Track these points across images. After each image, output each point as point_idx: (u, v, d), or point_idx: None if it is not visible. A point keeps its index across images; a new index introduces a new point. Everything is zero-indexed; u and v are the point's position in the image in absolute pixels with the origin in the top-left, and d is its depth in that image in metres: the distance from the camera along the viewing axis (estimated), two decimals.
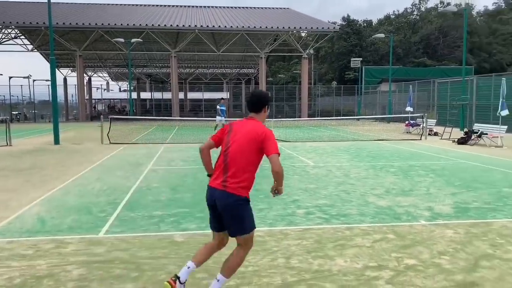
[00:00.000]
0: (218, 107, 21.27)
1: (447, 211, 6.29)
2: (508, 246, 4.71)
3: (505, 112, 16.32)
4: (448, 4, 67.27)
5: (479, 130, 16.30)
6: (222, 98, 22.26)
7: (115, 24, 33.70)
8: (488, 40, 63.37)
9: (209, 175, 3.62)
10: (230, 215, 3.34)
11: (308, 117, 37.05)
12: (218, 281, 3.40)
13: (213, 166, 3.66)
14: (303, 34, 48.52)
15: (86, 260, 4.38)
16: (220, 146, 3.65)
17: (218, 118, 21.10)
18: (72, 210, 6.41)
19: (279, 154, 3.36)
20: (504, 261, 4.29)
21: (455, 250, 4.61)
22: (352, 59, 49.04)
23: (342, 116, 40.39)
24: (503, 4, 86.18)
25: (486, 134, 15.93)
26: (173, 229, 5.44)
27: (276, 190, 3.52)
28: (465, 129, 18.99)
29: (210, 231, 5.26)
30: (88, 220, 5.89)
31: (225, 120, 20.83)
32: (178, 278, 3.39)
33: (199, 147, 3.85)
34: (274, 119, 24.04)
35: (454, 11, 30.09)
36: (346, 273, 4.01)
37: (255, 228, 3.50)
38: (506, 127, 16.21)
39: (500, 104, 16.42)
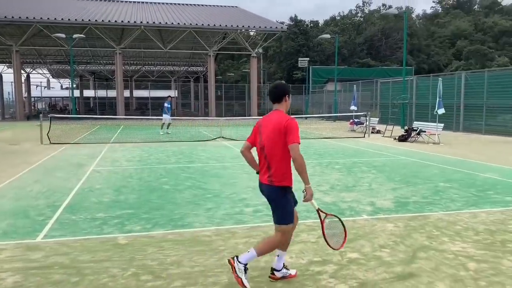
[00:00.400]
0: (165, 105, 20.98)
1: (388, 205, 6.55)
2: (443, 238, 4.98)
3: (441, 111, 17.24)
4: (390, 6, 70.04)
5: (418, 128, 17.12)
6: (169, 96, 22.01)
7: (55, 18, 32.14)
8: (426, 42, 66.78)
9: (257, 173, 3.88)
10: (274, 206, 3.74)
11: (257, 115, 37.27)
12: (248, 252, 3.70)
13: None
14: (251, 33, 48.76)
15: (22, 267, 4.15)
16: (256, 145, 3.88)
17: (164, 116, 20.79)
18: (7, 214, 6.04)
19: (299, 143, 3.57)
20: (440, 252, 4.52)
21: (395, 243, 4.81)
22: (299, 59, 49.92)
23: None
24: (440, 9, 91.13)
25: (425, 131, 16.77)
26: (116, 231, 5.28)
27: (304, 191, 3.70)
28: (406, 127, 19.90)
29: (155, 233, 5.22)
30: (25, 225, 5.58)
31: (170, 119, 20.92)
32: (237, 257, 3.64)
33: (240, 150, 4.06)
34: (223, 118, 23.99)
35: (395, 14, 31.40)
36: (292, 268, 4.06)
37: (291, 223, 3.78)
38: (442, 125, 17.15)
39: (437, 103, 17.32)
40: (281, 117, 3.69)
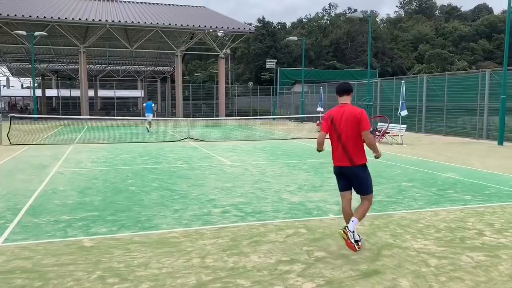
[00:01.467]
0: (145, 105, 23.17)
1: (354, 205, 6.68)
2: (406, 236, 5.15)
3: (404, 113, 17.78)
4: (355, 10, 71.66)
5: (382, 129, 17.57)
6: (149, 99, 23.83)
7: (15, 15, 31.04)
8: (390, 45, 68.59)
9: (319, 151, 4.96)
10: (360, 182, 4.67)
11: (225, 116, 37.24)
12: (353, 221, 4.53)
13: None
14: (219, 34, 48.69)
15: None
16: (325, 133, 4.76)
17: (148, 115, 22.41)
18: None
19: (370, 130, 4.59)
20: (403, 249, 4.67)
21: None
22: (267, 60, 50.20)
23: (259, 115, 41.20)
24: (403, 13, 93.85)
25: (388, 132, 17.23)
26: (81, 234, 5.16)
27: (376, 156, 4.77)
28: (370, 128, 20.34)
29: (122, 235, 5.14)
30: None
31: (152, 119, 22.81)
32: (347, 227, 4.49)
33: (317, 140, 4.88)
34: (191, 119, 23.82)
35: (360, 18, 32.08)
36: (260, 268, 4.10)
37: (373, 192, 4.78)
38: (405, 126, 17.67)
39: (400, 105, 17.84)
40: (354, 108, 4.65)
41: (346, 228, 4.47)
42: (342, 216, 6.00)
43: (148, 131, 21.96)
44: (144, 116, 23.08)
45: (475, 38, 71.10)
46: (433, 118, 22.28)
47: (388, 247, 4.74)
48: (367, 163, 4.70)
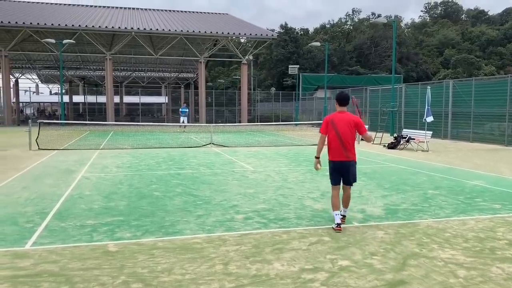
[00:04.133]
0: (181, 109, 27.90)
1: (378, 213, 6.59)
2: (433, 245, 5.02)
3: (430, 119, 17.43)
4: (379, 15, 70.98)
5: (407, 136, 17.28)
6: (185, 102, 27.28)
7: (45, 24, 31.98)
8: (415, 50, 67.63)
9: (316, 157, 5.97)
10: (351, 173, 5.75)
11: (248, 122, 37.33)
12: (345, 211, 5.96)
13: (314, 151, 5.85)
14: (242, 40, 48.95)
15: (10, 275, 4.09)
16: (327, 134, 5.80)
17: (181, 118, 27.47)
18: None
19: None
20: (429, 259, 4.56)
21: (386, 250, 4.84)
22: (290, 66, 50.21)
23: (281, 121, 41.15)
24: (428, 18, 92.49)
25: (414, 139, 16.92)
26: (106, 239, 5.23)
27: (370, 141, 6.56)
28: (395, 135, 20.06)
29: (146, 240, 5.18)
30: (13, 232, 5.51)
31: (183, 120, 27.43)
32: (338, 224, 5.59)
33: (319, 141, 5.92)
34: (213, 124, 23.97)
35: (384, 23, 31.76)
36: (283, 276, 4.06)
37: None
38: (431, 132, 17.33)
39: (425, 111, 17.51)
40: (351, 115, 5.77)
41: (344, 217, 5.89)
42: (366, 224, 5.95)
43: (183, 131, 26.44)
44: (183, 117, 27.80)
45: (503, 42, 69.42)
46: (459, 124, 21.78)
47: (414, 256, 4.64)
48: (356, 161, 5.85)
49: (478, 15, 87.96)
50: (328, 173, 5.95)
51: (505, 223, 5.98)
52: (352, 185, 5.85)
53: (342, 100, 5.82)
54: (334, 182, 5.79)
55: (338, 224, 5.53)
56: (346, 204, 5.89)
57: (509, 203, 7.30)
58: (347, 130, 5.63)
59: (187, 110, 28.55)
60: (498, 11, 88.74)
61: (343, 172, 5.73)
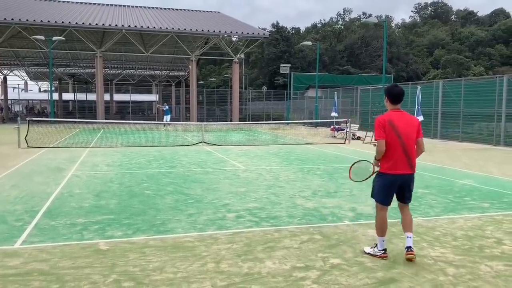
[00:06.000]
0: (164, 108, 29.01)
1: (369, 211, 6.63)
2: (423, 243, 5.07)
3: (420, 118, 17.56)
4: (370, 15, 71.33)
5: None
6: (165, 102, 27.54)
7: (34, 20, 31.62)
8: (405, 50, 68.08)
9: (377, 160, 4.56)
10: (411, 189, 4.66)
11: (239, 121, 37.31)
12: (409, 237, 4.48)
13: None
14: (233, 39, 48.86)
15: (0, 274, 4.05)
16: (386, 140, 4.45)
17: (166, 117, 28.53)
18: None
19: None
20: (419, 257, 4.60)
21: None
22: (281, 65, 50.26)
23: (272, 120, 41.20)
24: (418, 18, 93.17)
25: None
26: (97, 237, 5.20)
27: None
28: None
29: (137, 238, 5.16)
30: (2, 230, 5.45)
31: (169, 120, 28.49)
32: (409, 247, 4.43)
33: (379, 149, 4.47)
34: (205, 123, 23.93)
35: (375, 23, 31.94)
36: (275, 275, 4.08)
37: None
38: None
39: (415, 111, 17.65)
40: (411, 116, 4.62)
41: (411, 249, 4.41)
42: (357, 222, 5.98)
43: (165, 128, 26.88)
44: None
45: (492, 43, 70.19)
46: (449, 124, 22.00)
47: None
48: None
49: (468, 16, 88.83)
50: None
51: (494, 222, 6.06)
52: (409, 202, 4.73)
53: (397, 96, 4.55)
54: (386, 200, 4.58)
55: (407, 248, 4.44)
56: (410, 227, 4.58)
57: (498, 201, 7.39)
58: (410, 133, 4.45)
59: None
60: (487, 12, 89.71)
61: (404, 188, 4.57)
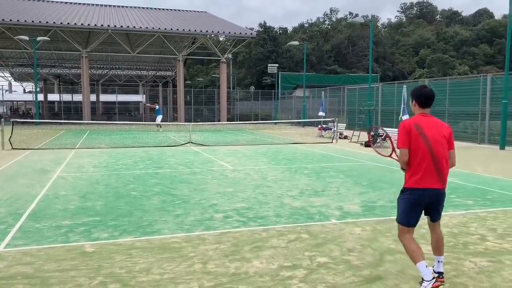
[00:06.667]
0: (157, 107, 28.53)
1: (356, 210, 6.68)
2: None
3: (406, 117, 17.75)
4: (357, 15, 71.77)
5: (383, 134, 17.54)
6: (155, 102, 27.46)
7: (18, 20, 31.18)
8: (391, 50, 68.68)
9: (403, 169, 3.92)
10: (442, 207, 3.95)
11: (227, 121, 37.26)
12: (440, 262, 3.93)
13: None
14: (221, 39, 48.81)
15: None
16: (412, 148, 3.75)
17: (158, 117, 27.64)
18: None
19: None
20: (405, 254, 4.63)
21: (363, 246, 4.91)
22: (269, 65, 50.33)
23: (260, 120, 41.23)
24: (404, 18, 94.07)
25: (390, 137, 17.17)
26: (83, 239, 5.15)
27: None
28: (372, 133, 20.34)
29: (123, 240, 5.12)
30: None
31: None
32: (440, 273, 3.87)
33: (402, 159, 3.82)
34: (192, 123, 23.84)
35: (361, 22, 32.16)
36: (262, 274, 4.08)
37: None
38: None
39: (401, 110, 17.83)
40: (442, 122, 3.91)
41: (442, 275, 3.87)
42: (344, 221, 6.01)
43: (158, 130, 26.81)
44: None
45: (476, 43, 71.20)
46: None
47: (390, 252, 4.72)
48: None
49: (452, 16, 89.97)
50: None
51: (478, 219, 6.15)
52: (439, 219, 4.01)
53: (427, 99, 3.85)
54: (412, 221, 3.82)
55: (438, 274, 3.86)
56: (442, 249, 3.98)
57: (481, 199, 7.50)
58: (442, 142, 3.74)
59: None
60: (471, 12, 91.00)
61: (433, 205, 3.84)
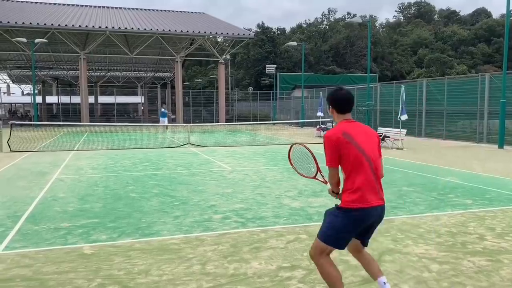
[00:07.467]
0: (162, 110, 27.45)
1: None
2: (407, 241, 5.13)
3: (404, 117, 17.77)
4: (355, 15, 71.85)
5: (382, 134, 17.56)
6: (164, 104, 26.82)
7: (15, 22, 31.12)
8: (389, 50, 68.72)
9: (334, 192, 3.30)
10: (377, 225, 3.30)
11: (225, 122, 37.25)
12: (386, 284, 3.34)
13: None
14: (219, 39, 48.80)
15: None
16: (343, 162, 3.13)
17: (162, 119, 26.74)
18: None
19: None
20: (404, 254, 4.65)
21: None
22: (267, 65, 50.32)
23: (259, 120, 41.23)
24: (402, 18, 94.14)
25: (389, 137, 17.22)
26: (82, 241, 5.15)
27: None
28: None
29: (122, 242, 5.11)
30: None
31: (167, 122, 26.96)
32: None
33: (332, 180, 3.23)
34: (191, 124, 23.84)
35: (359, 22, 32.18)
36: (261, 275, 4.08)
37: None
38: (405, 130, 17.67)
39: (400, 109, 17.84)
40: (371, 128, 3.39)
41: None
42: None
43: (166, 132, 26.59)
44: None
45: (474, 42, 71.27)
46: (433, 122, 22.28)
47: (389, 252, 4.72)
48: None
49: (450, 15, 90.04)
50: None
51: (476, 218, 6.15)
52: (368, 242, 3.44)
53: (345, 102, 3.30)
54: (342, 243, 3.21)
55: None
56: (379, 268, 3.47)
57: (480, 198, 7.51)
58: (375, 149, 3.20)
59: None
60: (469, 12, 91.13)
61: (373, 227, 3.28)
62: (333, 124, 3.74)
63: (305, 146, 3.75)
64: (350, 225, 3.12)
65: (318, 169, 3.61)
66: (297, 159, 3.83)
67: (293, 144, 3.90)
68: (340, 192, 3.26)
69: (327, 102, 3.38)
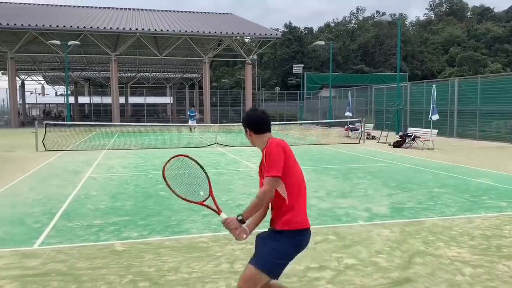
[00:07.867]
0: (188, 113, 28.20)
1: (384, 211, 6.59)
2: (438, 243, 5.02)
3: (435, 117, 17.36)
4: (384, 13, 70.72)
5: (412, 134, 17.22)
6: (193, 106, 27.03)
7: (50, 25, 32.13)
8: (420, 48, 67.30)
9: (243, 220, 2.96)
10: None
11: None
12: None
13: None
14: (246, 40, 48.94)
15: (19, 274, 4.14)
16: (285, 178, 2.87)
17: (191, 121, 27.33)
18: (4, 222, 6.02)
19: None
20: (435, 257, 4.56)
21: (391, 248, 4.84)
22: (294, 65, 50.13)
23: (286, 121, 41.12)
24: (433, 16, 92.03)
25: (419, 137, 16.87)
26: (113, 238, 5.27)
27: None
28: (400, 133, 19.99)
29: (152, 239, 5.21)
30: (21, 232, 5.57)
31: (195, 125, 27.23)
32: None
33: (266, 195, 2.83)
34: (218, 124, 24.02)
35: (388, 21, 31.65)
36: (289, 275, 4.08)
37: None
38: (436, 130, 17.26)
39: (431, 109, 17.45)
40: None
41: None
42: (372, 222, 5.94)
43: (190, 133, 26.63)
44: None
45: (510, 39, 68.89)
46: (465, 123, 21.69)
47: (420, 254, 4.64)
48: None
49: (484, 12, 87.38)
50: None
51: None
52: None
53: (262, 123, 3.05)
54: (281, 271, 2.88)
55: None
56: None
57: None
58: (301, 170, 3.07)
59: (195, 113, 28.84)
60: (504, 8, 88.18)
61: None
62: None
63: (195, 160, 3.18)
64: (297, 249, 2.88)
65: (211, 192, 3.13)
66: (178, 177, 3.20)
67: (174, 156, 3.20)
68: (248, 221, 2.91)
69: (244, 126, 3.09)
